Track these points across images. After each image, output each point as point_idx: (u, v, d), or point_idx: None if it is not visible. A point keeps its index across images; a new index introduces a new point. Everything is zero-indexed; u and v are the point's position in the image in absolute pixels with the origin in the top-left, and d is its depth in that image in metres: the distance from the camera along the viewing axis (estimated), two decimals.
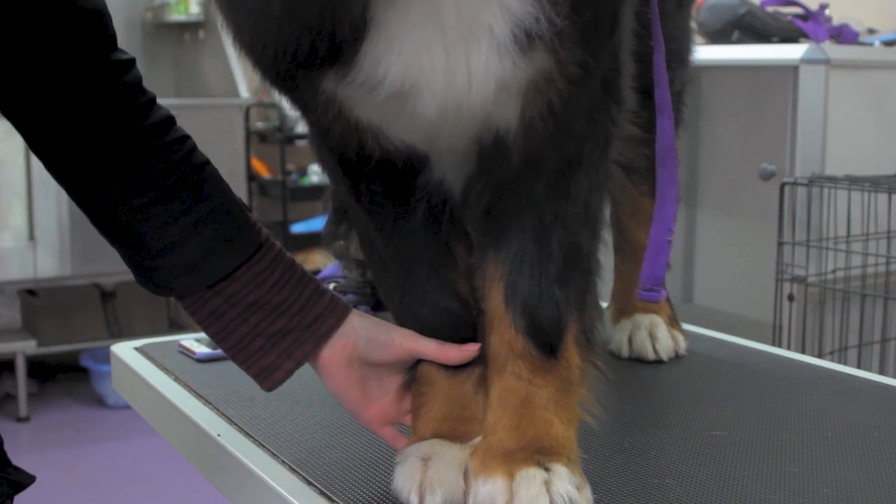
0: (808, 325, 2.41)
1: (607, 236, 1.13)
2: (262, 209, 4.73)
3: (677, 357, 1.41)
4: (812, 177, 2.41)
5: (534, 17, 0.77)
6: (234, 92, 4.51)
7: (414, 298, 1.00)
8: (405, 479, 0.92)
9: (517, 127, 0.86)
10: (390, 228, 0.98)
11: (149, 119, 0.96)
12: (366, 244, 1.06)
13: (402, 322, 1.02)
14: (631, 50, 0.97)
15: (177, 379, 1.31)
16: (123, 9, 4.94)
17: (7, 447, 0.99)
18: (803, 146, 2.47)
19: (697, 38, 1.89)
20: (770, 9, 2.74)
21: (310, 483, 0.98)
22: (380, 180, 0.95)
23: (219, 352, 1.26)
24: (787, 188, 2.37)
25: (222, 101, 4.51)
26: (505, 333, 0.93)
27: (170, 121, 0.98)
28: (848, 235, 2.38)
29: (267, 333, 0.96)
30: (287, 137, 4.50)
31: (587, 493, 0.89)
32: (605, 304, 1.44)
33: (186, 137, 0.98)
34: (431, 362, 0.99)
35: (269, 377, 0.97)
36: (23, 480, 0.98)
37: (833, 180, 2.38)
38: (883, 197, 2.35)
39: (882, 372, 2.36)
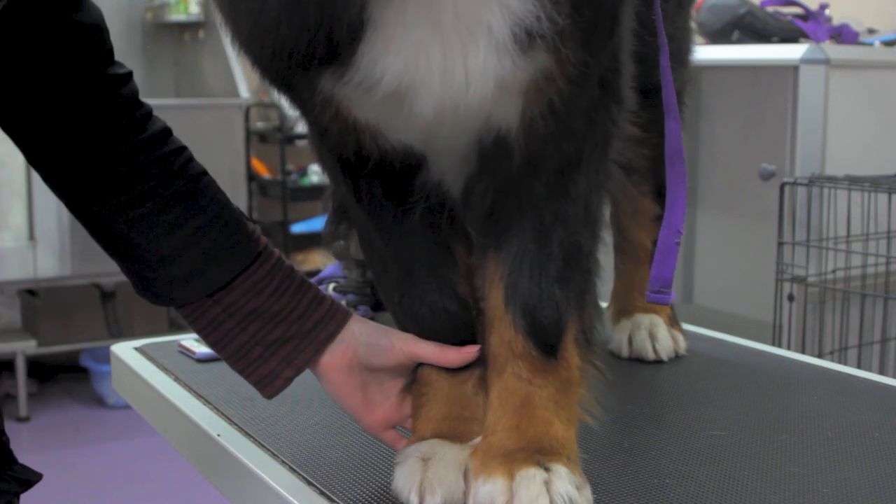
0: (808, 325, 2.41)
1: (607, 236, 1.13)
2: (262, 209, 4.73)
3: (677, 357, 1.41)
4: (812, 177, 2.41)
5: (535, 17, 0.77)
6: (234, 92, 4.51)
7: (413, 298, 1.00)
8: (405, 479, 0.92)
9: (518, 127, 0.86)
10: (390, 228, 0.99)
11: (145, 132, 0.97)
12: (365, 244, 1.06)
13: (401, 322, 1.02)
14: (631, 50, 0.97)
15: (177, 379, 1.31)
16: (123, 9, 4.94)
17: None
18: (803, 146, 2.47)
19: (697, 38, 1.89)
20: (770, 9, 2.74)
21: (310, 483, 0.98)
22: (379, 180, 0.95)
23: None
24: (787, 188, 2.37)
25: (222, 101, 4.51)
26: (505, 334, 0.93)
27: (166, 132, 0.98)
28: (848, 235, 2.38)
29: (266, 342, 0.96)
30: (287, 137, 4.50)
31: (587, 493, 0.88)
32: (605, 304, 1.44)
33: (183, 149, 0.99)
34: (432, 365, 0.99)
35: (268, 385, 0.97)
36: (30, 478, 0.99)
37: (833, 180, 2.38)
38: (883, 197, 2.35)
39: (882, 372, 2.36)
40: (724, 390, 1.28)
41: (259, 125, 4.68)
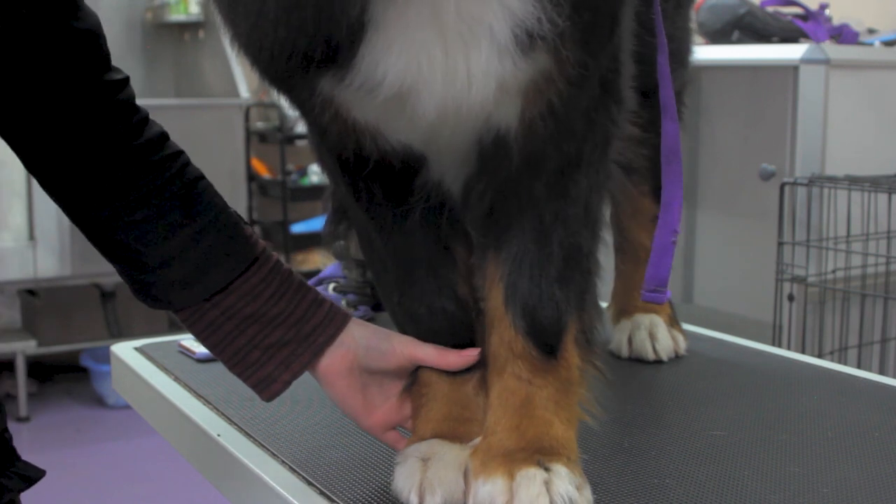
0: (807, 325, 2.41)
1: (607, 236, 1.13)
2: (262, 209, 4.73)
3: (677, 357, 1.41)
4: (812, 177, 2.41)
5: (535, 18, 0.77)
6: (234, 92, 4.51)
7: (412, 298, 1.00)
8: (405, 479, 0.92)
9: (518, 127, 0.86)
10: (389, 228, 0.98)
11: (142, 137, 0.97)
12: (365, 244, 1.06)
13: (400, 322, 1.02)
14: (631, 50, 0.97)
15: (177, 379, 1.31)
16: (123, 9, 4.93)
17: None
18: (803, 146, 2.47)
19: (697, 38, 1.89)
20: (770, 9, 2.74)
21: (310, 483, 0.98)
22: (379, 180, 0.95)
23: None
24: (787, 188, 2.37)
25: (222, 101, 4.51)
26: (505, 334, 0.93)
27: (163, 137, 0.98)
28: (848, 235, 2.38)
29: (264, 345, 0.96)
30: (287, 137, 4.50)
31: (587, 493, 0.88)
32: (605, 304, 1.44)
33: (180, 153, 0.99)
34: (432, 367, 0.99)
35: (267, 388, 0.97)
36: (33, 475, 0.99)
37: (833, 180, 2.38)
38: (883, 197, 2.35)
39: (882, 372, 2.36)
40: (724, 390, 1.28)
41: (259, 125, 4.68)
